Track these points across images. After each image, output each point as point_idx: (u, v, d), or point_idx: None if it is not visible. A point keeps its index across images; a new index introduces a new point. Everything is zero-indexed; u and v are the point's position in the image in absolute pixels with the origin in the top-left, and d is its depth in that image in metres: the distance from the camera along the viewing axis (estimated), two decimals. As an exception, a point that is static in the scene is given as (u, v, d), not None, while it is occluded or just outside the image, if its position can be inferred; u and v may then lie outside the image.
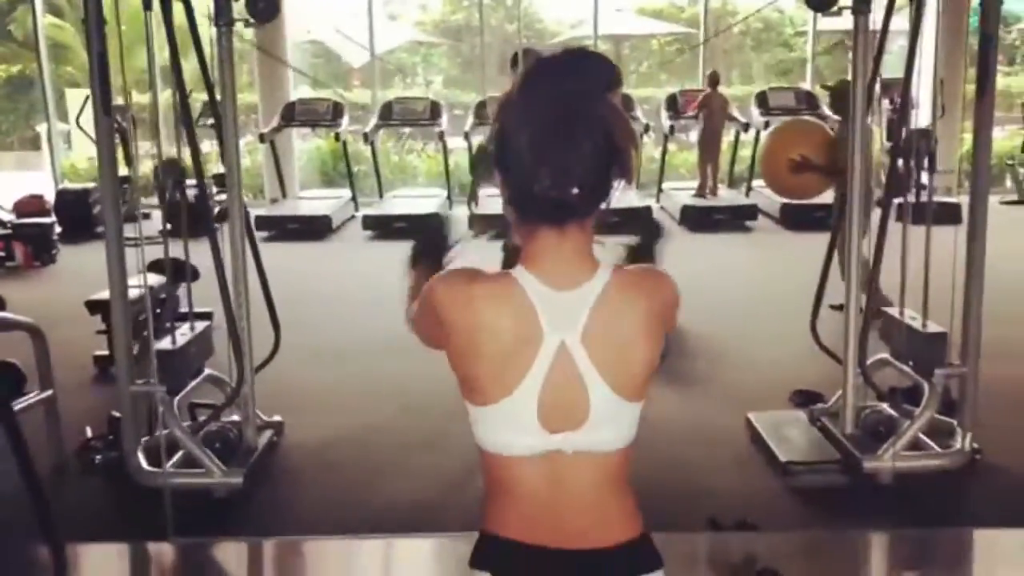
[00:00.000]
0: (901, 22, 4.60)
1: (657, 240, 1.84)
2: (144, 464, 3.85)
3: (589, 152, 1.32)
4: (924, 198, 4.20)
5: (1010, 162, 12.62)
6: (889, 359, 4.31)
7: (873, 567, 3.29)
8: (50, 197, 10.59)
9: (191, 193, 4.08)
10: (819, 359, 4.35)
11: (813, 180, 5.59)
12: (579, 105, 1.32)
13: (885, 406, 4.17)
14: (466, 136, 10.52)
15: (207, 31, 3.94)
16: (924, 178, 4.21)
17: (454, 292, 1.40)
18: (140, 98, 5.29)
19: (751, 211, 10.56)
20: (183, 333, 4.10)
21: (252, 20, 3.96)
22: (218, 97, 3.98)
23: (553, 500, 1.41)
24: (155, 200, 4.16)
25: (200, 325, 4.26)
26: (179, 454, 3.83)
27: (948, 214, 6.47)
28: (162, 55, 3.82)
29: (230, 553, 3.25)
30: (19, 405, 3.82)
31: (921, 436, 3.95)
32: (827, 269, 4.41)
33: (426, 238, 1.78)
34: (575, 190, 1.33)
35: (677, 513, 3.32)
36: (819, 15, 4.45)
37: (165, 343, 4.00)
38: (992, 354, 4.52)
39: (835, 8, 3.97)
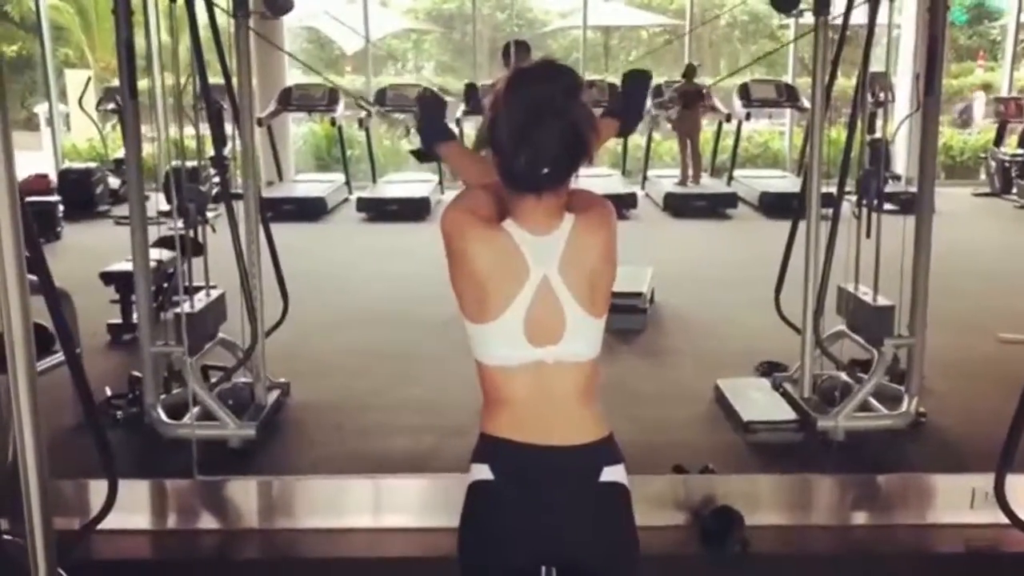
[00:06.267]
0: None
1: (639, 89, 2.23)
2: (164, 418, 4.23)
3: (556, 140, 1.68)
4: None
5: (983, 155, 13.01)
6: (845, 331, 4.69)
7: (820, 504, 3.67)
8: (52, 176, 10.91)
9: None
10: (787, 333, 4.64)
11: None
12: (548, 104, 1.68)
13: (842, 374, 4.55)
14: (458, 122, 10.64)
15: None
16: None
17: (460, 229, 1.76)
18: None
19: (731, 199, 10.90)
20: (200, 299, 4.46)
21: (268, 13, 4.28)
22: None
23: (539, 405, 1.77)
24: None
25: (215, 293, 4.61)
26: (196, 409, 4.16)
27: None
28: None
29: (247, 489, 3.63)
30: (47, 364, 4.15)
31: (872, 401, 4.34)
32: (789, 250, 4.72)
33: (429, 114, 2.09)
34: (546, 169, 1.70)
35: (648, 461, 3.71)
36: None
37: (184, 308, 4.34)
38: (951, 327, 4.89)
39: (797, 9, 4.33)
